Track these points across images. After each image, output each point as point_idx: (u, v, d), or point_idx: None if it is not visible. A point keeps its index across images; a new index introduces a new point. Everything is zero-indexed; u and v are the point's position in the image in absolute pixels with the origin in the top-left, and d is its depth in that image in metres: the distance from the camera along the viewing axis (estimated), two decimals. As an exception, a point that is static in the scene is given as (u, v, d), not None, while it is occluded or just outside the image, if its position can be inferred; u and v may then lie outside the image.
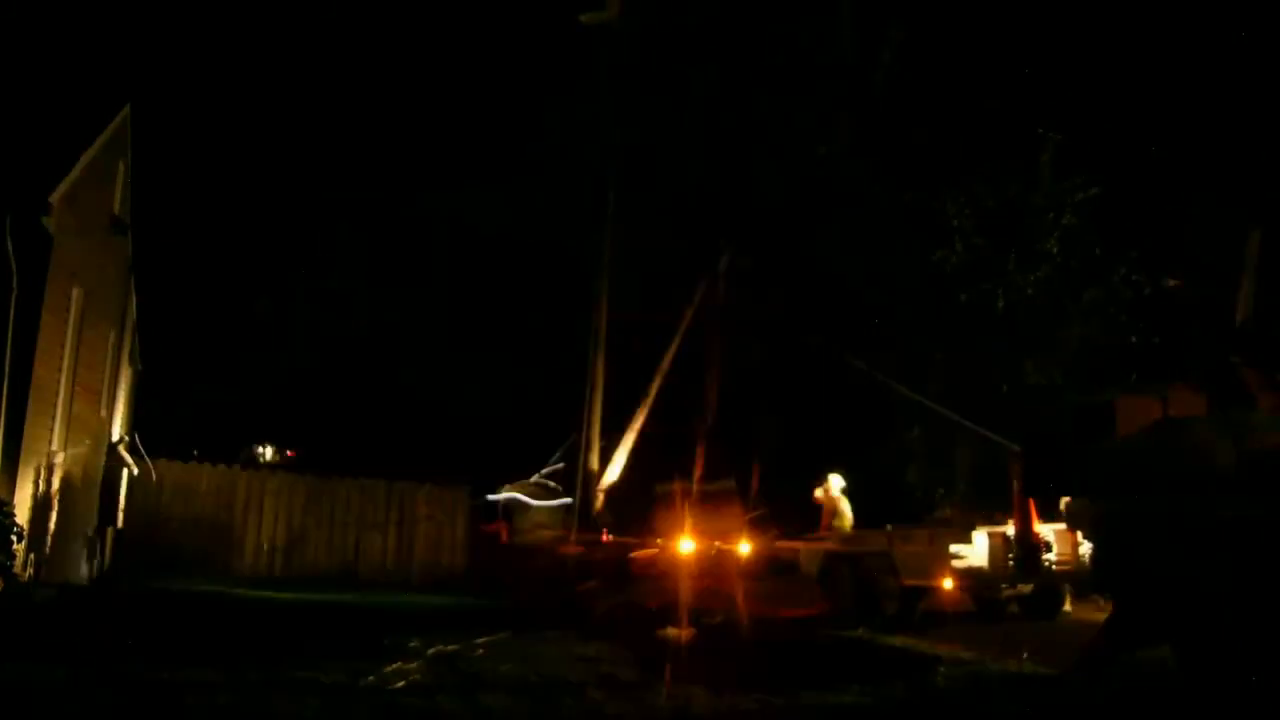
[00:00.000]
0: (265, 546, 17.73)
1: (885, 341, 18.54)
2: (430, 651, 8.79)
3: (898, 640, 10.46)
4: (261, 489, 17.85)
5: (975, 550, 12.14)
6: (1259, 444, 8.27)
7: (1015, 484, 12.44)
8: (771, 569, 16.62)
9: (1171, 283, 16.38)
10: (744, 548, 15.04)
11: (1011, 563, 12.10)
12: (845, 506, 14.35)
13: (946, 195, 18.31)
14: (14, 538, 9.51)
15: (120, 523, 15.53)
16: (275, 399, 22.98)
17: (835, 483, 14.52)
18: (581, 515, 15.88)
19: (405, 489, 19.38)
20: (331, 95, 25.19)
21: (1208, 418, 9.72)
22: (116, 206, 14.27)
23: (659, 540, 15.52)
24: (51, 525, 11.83)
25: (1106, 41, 17.49)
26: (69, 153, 11.06)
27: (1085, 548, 11.85)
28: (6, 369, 9.75)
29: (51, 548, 11.85)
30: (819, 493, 14.55)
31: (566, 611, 12.58)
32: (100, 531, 14.53)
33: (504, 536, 21.23)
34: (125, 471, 15.53)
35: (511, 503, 18.46)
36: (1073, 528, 11.93)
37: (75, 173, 10.97)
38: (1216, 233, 13.17)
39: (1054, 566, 12.39)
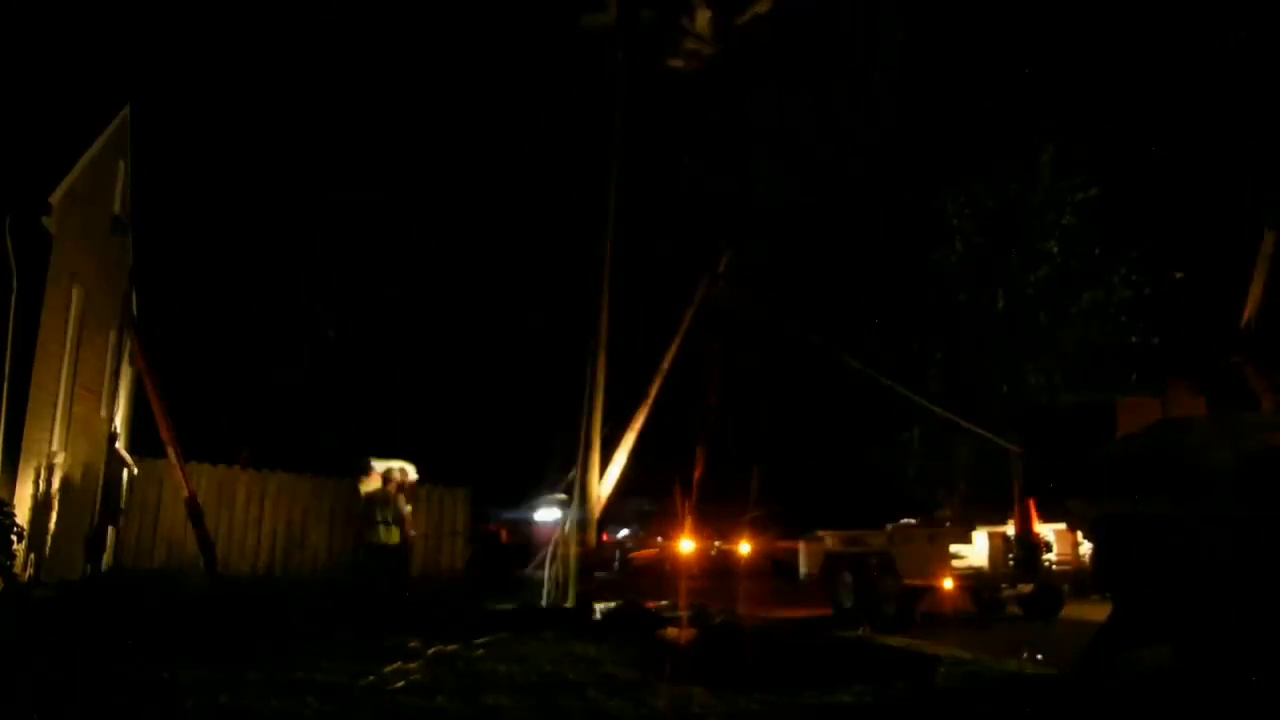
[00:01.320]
0: (265, 546, 17.73)
1: (885, 341, 18.54)
2: (430, 651, 8.78)
3: (898, 640, 10.46)
4: (262, 489, 17.85)
5: (975, 550, 12.16)
6: (1259, 444, 8.27)
7: (1015, 484, 12.44)
8: (771, 569, 16.64)
9: (1178, 275, 16.33)
10: (744, 548, 15.06)
11: (1011, 563, 12.12)
12: None
13: (946, 195, 18.33)
14: (14, 538, 9.51)
15: (120, 523, 15.53)
16: (276, 398, 22.99)
17: None
18: (582, 515, 15.84)
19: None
20: (331, 94, 25.18)
21: (1207, 417, 9.72)
22: (116, 206, 14.26)
23: (659, 540, 15.54)
24: (51, 525, 11.82)
25: (1107, 41, 17.49)
26: (69, 153, 11.06)
27: (1085, 548, 11.87)
28: (6, 369, 9.74)
29: (51, 548, 11.84)
30: None
31: (566, 612, 12.58)
32: (100, 531, 14.52)
33: (504, 537, 21.24)
34: (125, 471, 15.53)
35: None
36: (1074, 527, 11.95)
37: (75, 173, 10.96)
38: (1224, 230, 13.13)
39: (1054, 566, 12.41)
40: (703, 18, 13.46)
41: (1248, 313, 10.57)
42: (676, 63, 14.14)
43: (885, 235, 19.24)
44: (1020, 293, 17.80)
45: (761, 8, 13.72)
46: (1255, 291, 10.57)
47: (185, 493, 14.81)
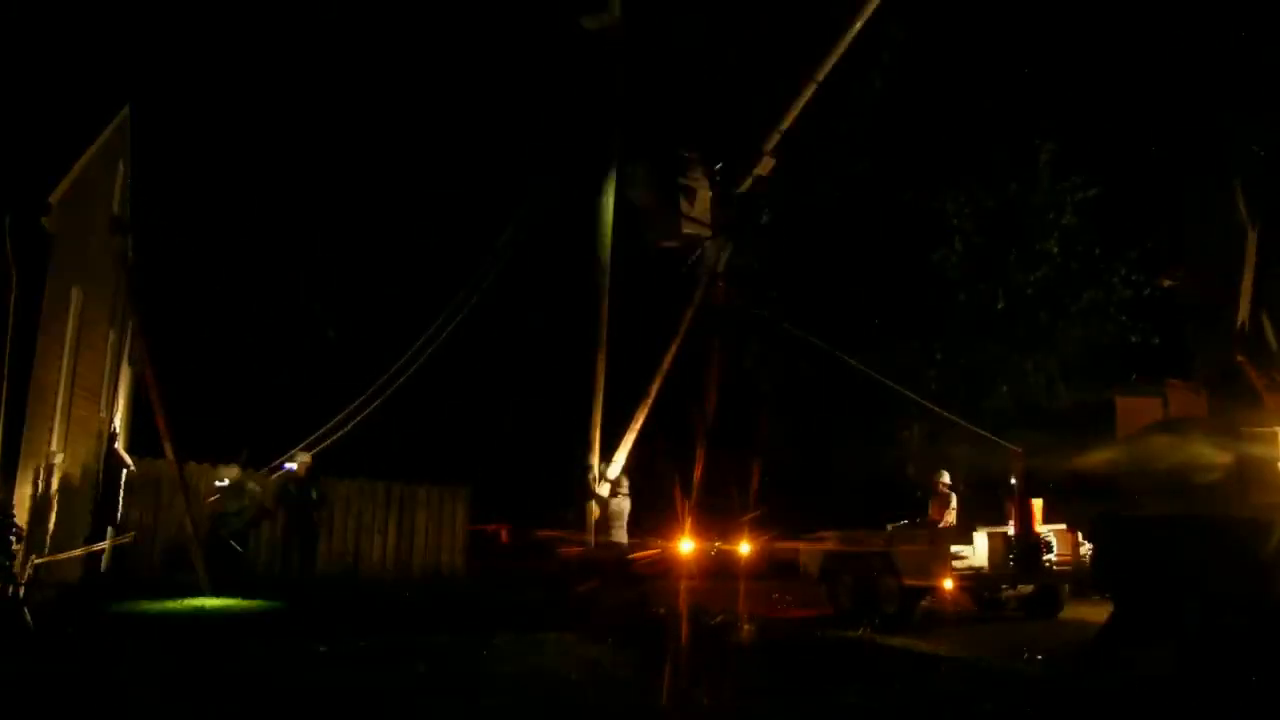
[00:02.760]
0: (265, 547, 17.71)
1: (885, 341, 18.54)
2: (430, 651, 8.79)
3: (898, 640, 10.46)
4: (262, 489, 17.83)
5: (975, 550, 12.16)
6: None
7: (1015, 484, 12.44)
8: (771, 569, 16.63)
9: (1166, 282, 16.35)
10: (744, 548, 15.04)
11: (1011, 563, 12.12)
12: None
13: (946, 195, 18.33)
14: (14, 538, 9.51)
15: (120, 523, 15.52)
16: (276, 398, 22.98)
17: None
18: (581, 515, 15.84)
19: (405, 489, 19.37)
20: (331, 94, 25.20)
21: (1207, 418, 9.74)
22: (116, 206, 14.26)
23: (659, 540, 15.51)
24: (51, 525, 11.82)
25: (1107, 41, 17.50)
26: (69, 153, 11.04)
27: (1085, 548, 11.88)
28: (6, 369, 9.74)
29: (51, 548, 11.84)
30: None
31: (567, 611, 12.56)
32: (100, 531, 14.51)
33: (504, 537, 21.24)
34: (125, 471, 15.52)
35: None
36: (1074, 527, 11.95)
37: (75, 173, 10.95)
38: (1215, 231, 13.09)
39: (1054, 566, 12.41)
40: (703, 200, 12.71)
41: (1241, 313, 10.58)
42: (671, 244, 13.52)
43: (885, 235, 19.24)
44: (1020, 292, 17.79)
45: (762, 169, 12.96)
46: (1245, 289, 10.57)
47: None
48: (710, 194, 12.10)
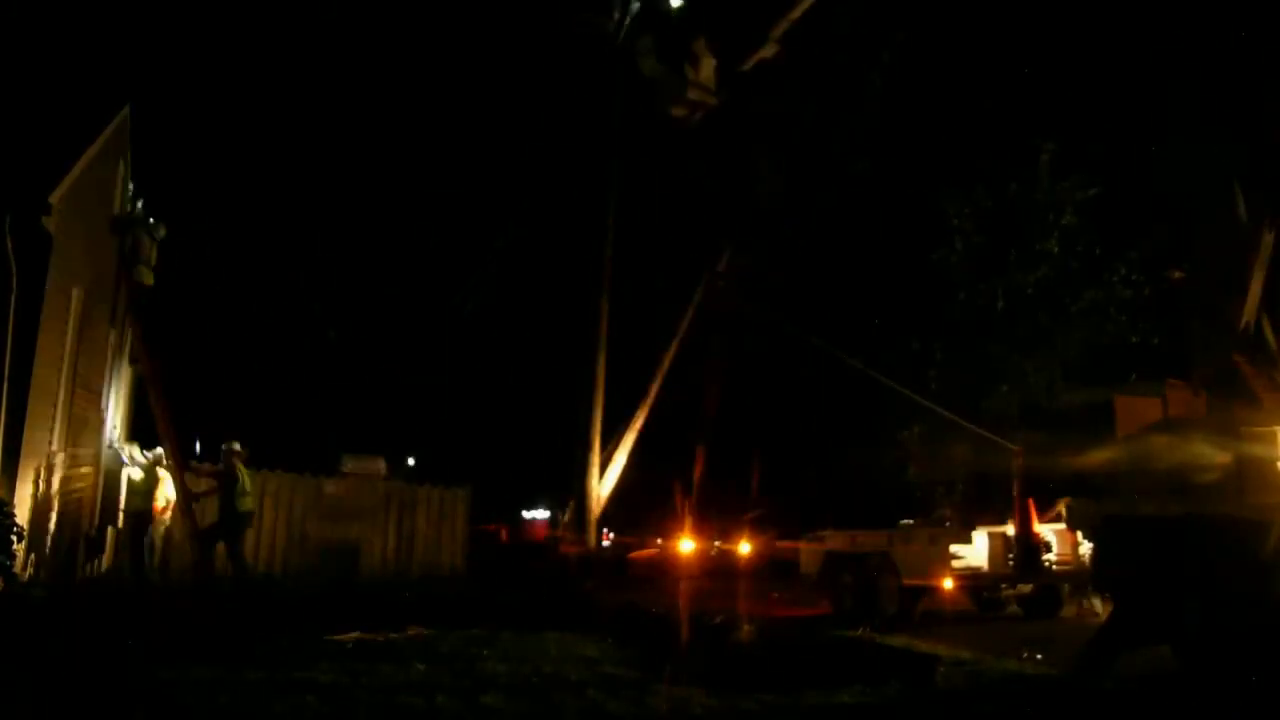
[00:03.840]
0: (265, 546, 17.72)
1: (885, 341, 18.56)
2: (430, 651, 8.78)
3: (898, 640, 10.46)
4: (261, 489, 17.84)
5: (975, 550, 12.17)
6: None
7: (1015, 484, 12.45)
8: (771, 569, 16.66)
9: (1176, 274, 16.33)
10: (744, 548, 15.07)
11: (1011, 563, 12.13)
12: None
13: (946, 195, 18.35)
14: (14, 538, 9.51)
15: (120, 522, 15.52)
16: (276, 398, 23.01)
17: None
18: (581, 515, 15.86)
19: (405, 489, 19.38)
20: (331, 94, 25.20)
21: (1207, 418, 9.75)
22: (116, 206, 14.26)
23: (659, 540, 15.56)
24: (51, 525, 11.82)
25: (1107, 41, 17.49)
26: (69, 153, 11.04)
27: (1085, 548, 11.89)
28: (6, 369, 9.74)
29: (51, 548, 11.84)
30: None
31: (566, 611, 12.57)
32: (100, 531, 14.51)
33: (504, 536, 21.26)
34: (125, 471, 15.51)
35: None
36: (1073, 528, 11.97)
37: (75, 173, 10.94)
38: (1225, 231, 13.01)
39: (1054, 566, 12.42)
40: (707, 67, 13.25)
41: (1248, 314, 10.57)
42: (680, 111, 14.06)
43: (885, 235, 19.26)
44: (1020, 292, 17.81)
45: (766, 53, 13.54)
46: (1255, 291, 10.56)
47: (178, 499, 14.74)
48: (715, 62, 12.56)
